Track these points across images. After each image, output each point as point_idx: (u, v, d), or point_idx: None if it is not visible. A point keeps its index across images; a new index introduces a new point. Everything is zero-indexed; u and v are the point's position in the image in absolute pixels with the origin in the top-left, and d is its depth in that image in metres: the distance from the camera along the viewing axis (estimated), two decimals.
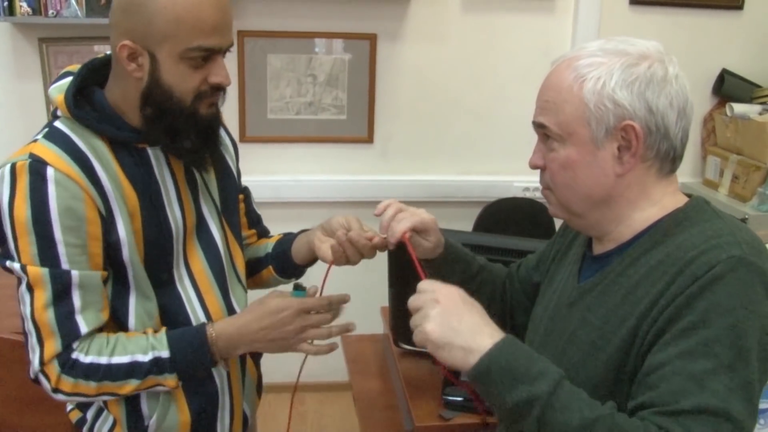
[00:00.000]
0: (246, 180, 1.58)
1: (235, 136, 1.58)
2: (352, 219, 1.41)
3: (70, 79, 1.28)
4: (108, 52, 1.31)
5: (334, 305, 1.36)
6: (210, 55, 1.24)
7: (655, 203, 1.13)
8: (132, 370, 1.26)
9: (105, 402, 1.37)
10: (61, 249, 1.21)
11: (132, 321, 1.30)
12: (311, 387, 3.20)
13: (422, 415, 1.70)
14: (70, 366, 1.23)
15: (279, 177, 2.95)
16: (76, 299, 1.23)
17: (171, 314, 1.33)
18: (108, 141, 1.28)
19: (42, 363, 1.23)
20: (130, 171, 1.28)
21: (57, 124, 1.27)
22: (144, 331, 1.30)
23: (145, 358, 1.26)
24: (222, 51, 1.26)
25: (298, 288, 1.37)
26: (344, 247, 1.35)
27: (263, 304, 1.33)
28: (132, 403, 1.36)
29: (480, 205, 2.89)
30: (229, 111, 2.81)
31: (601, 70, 1.08)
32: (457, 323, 1.03)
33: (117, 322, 1.31)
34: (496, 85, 3.01)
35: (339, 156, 3.00)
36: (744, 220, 2.68)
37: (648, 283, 1.05)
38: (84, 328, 1.23)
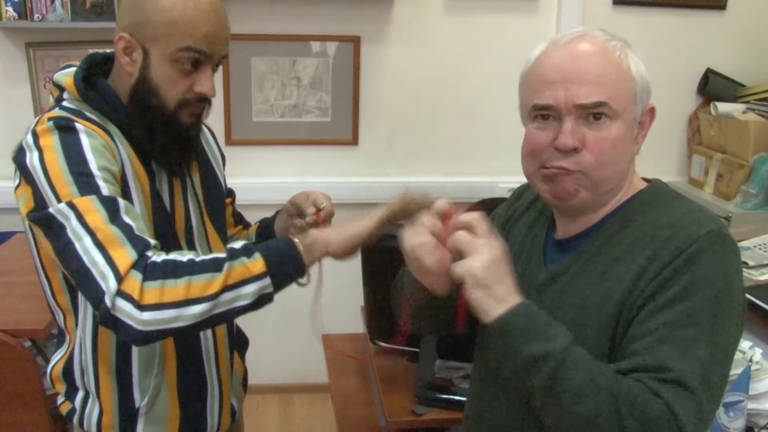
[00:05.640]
0: (231, 182, 1.61)
1: (220, 138, 1.60)
2: (318, 195, 1.42)
3: (75, 68, 1.31)
4: (108, 50, 1.34)
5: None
6: (199, 62, 1.26)
7: (630, 185, 1.17)
8: (216, 262, 1.15)
9: (96, 387, 1.34)
10: (101, 182, 1.17)
11: None
12: (299, 388, 3.21)
13: (395, 411, 1.72)
14: (151, 268, 1.11)
15: (264, 179, 2.96)
16: (129, 221, 1.16)
17: None
18: (117, 125, 1.29)
19: (119, 280, 1.09)
20: (141, 154, 1.30)
21: (65, 103, 1.28)
22: None
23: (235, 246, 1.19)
24: (212, 61, 1.28)
25: None
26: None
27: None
28: (123, 384, 1.34)
29: (465, 206, 2.89)
30: (215, 114, 2.80)
31: (629, 51, 1.13)
32: (502, 274, 1.04)
33: None
34: (480, 85, 3.02)
35: (324, 158, 3.01)
36: (728, 218, 2.68)
37: (627, 259, 1.09)
38: (151, 240, 1.16)
